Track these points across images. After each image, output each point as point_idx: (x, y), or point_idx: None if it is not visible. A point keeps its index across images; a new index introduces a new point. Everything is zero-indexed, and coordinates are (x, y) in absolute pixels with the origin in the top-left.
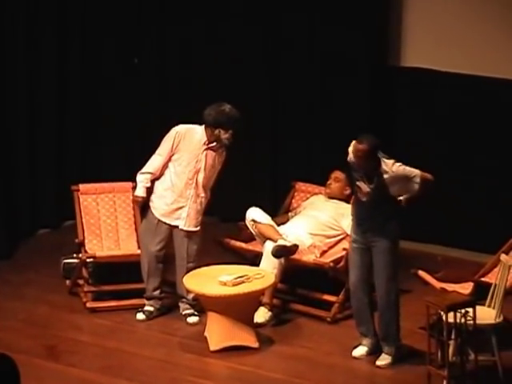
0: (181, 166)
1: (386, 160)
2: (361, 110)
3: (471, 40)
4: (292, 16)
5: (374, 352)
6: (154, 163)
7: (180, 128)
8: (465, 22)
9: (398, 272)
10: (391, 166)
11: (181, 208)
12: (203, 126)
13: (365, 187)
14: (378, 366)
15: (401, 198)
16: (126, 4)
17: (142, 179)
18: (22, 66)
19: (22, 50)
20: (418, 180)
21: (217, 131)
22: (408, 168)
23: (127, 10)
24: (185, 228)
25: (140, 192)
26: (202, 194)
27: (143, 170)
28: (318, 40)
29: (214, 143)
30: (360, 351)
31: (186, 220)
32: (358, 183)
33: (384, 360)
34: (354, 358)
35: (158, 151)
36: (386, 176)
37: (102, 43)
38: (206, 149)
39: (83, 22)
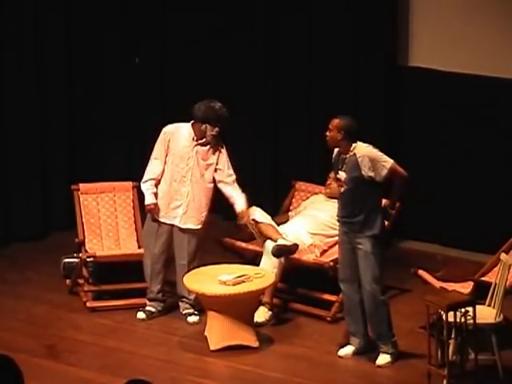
0: (173, 165)
1: (359, 143)
2: (362, 110)
3: (477, 41)
4: (297, 17)
5: (361, 353)
6: (152, 168)
7: (168, 128)
8: (471, 24)
9: (382, 272)
10: (364, 148)
11: (178, 206)
12: (191, 123)
13: (342, 175)
14: (379, 366)
15: (384, 202)
16: (127, 4)
17: (148, 187)
18: (31, 69)
19: (27, 50)
20: (387, 166)
21: (203, 127)
22: (381, 154)
23: (128, 10)
24: (181, 226)
25: (149, 200)
26: (202, 189)
27: (144, 178)
28: (321, 40)
29: (204, 139)
30: (346, 350)
31: (182, 218)
32: (338, 176)
33: (383, 360)
34: (340, 357)
35: (152, 156)
36: (358, 155)
37: (104, 43)
38: (195, 145)
39: (86, 23)
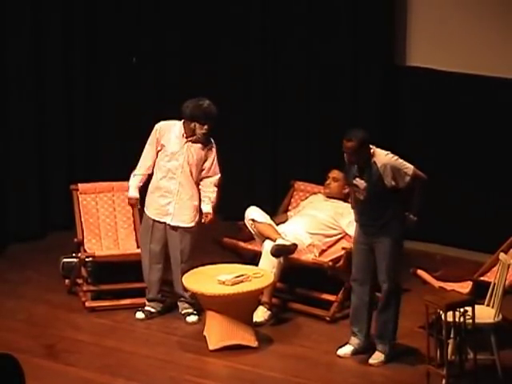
0: (163, 161)
1: (378, 151)
2: (360, 109)
3: (475, 41)
4: (295, 16)
5: (360, 353)
6: (142, 163)
7: (159, 124)
8: (468, 24)
9: (399, 273)
10: (384, 156)
11: (169, 203)
12: (182, 121)
13: (361, 183)
14: (371, 365)
15: (406, 213)
16: (125, 4)
17: (134, 180)
18: (30, 68)
19: (26, 50)
20: (410, 173)
21: (192, 125)
22: (401, 160)
23: (126, 10)
24: (172, 223)
25: (132, 193)
26: (192, 187)
27: (134, 172)
28: (319, 40)
29: (194, 137)
30: (345, 350)
31: (173, 215)
32: (354, 181)
33: (377, 358)
34: (338, 356)
35: (144, 151)
36: (379, 165)
37: (101, 43)
38: (186, 142)
39: (86, 23)
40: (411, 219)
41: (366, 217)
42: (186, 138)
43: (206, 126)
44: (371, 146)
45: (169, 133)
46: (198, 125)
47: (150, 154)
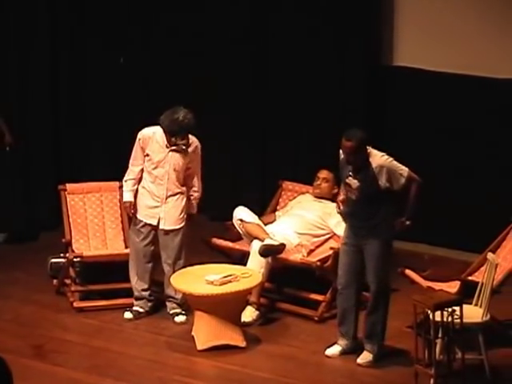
0: (150, 167)
1: (374, 151)
2: (347, 110)
3: (463, 40)
4: (283, 15)
5: (348, 353)
6: (132, 169)
7: (142, 133)
8: (456, 23)
9: (388, 274)
10: (380, 157)
11: (157, 207)
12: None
13: (354, 182)
14: (360, 364)
15: (402, 219)
16: (114, 4)
17: (127, 185)
18: (16, 68)
19: (13, 49)
20: (405, 175)
21: (173, 138)
22: (396, 162)
23: (115, 10)
24: (165, 227)
25: (126, 197)
26: (178, 190)
27: (125, 177)
28: (308, 39)
29: (177, 146)
30: (333, 350)
31: (164, 219)
32: (347, 180)
33: (365, 358)
34: (327, 356)
35: (131, 157)
36: (374, 166)
37: (89, 43)
38: (169, 151)
39: (71, 23)
40: (403, 223)
41: (357, 218)
42: (169, 146)
43: (186, 137)
44: (367, 147)
45: (151, 142)
46: (178, 137)
47: (138, 159)
